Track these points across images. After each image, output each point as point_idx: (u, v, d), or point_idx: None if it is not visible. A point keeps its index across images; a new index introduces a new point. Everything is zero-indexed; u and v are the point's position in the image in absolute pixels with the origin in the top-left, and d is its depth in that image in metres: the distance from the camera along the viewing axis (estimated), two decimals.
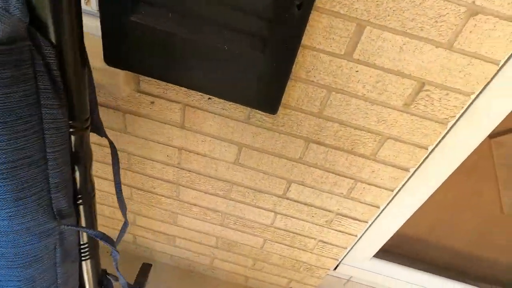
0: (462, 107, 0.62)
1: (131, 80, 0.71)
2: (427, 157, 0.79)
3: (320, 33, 0.58)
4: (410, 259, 1.22)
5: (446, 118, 0.64)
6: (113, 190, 1.00)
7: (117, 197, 0.67)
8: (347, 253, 1.12)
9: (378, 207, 0.84)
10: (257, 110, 0.70)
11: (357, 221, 0.89)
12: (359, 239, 1.05)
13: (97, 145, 0.87)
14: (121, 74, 0.67)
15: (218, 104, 0.72)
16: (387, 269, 1.18)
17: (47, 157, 0.42)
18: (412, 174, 0.83)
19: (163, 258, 1.24)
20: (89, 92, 0.58)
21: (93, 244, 0.64)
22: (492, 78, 0.61)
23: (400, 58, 0.58)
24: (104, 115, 0.79)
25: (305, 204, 0.88)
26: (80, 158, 0.55)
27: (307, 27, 0.57)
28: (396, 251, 1.20)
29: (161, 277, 1.23)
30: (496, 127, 0.84)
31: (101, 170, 0.94)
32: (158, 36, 0.60)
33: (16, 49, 0.32)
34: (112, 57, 0.64)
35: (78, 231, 0.58)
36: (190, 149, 0.83)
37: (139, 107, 0.76)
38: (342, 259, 1.16)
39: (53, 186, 0.45)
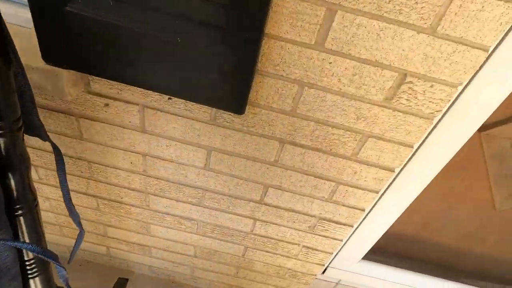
0: (449, 100, 0.55)
1: (79, 80, 0.62)
2: (413, 155, 0.73)
3: (286, 20, 0.50)
4: (401, 259, 1.17)
5: (431, 113, 0.58)
6: (78, 202, 0.92)
7: (66, 206, 0.59)
8: (335, 256, 1.06)
9: (363, 210, 0.78)
10: (222, 110, 0.63)
11: (341, 226, 0.83)
12: (346, 242, 0.99)
13: (50, 152, 0.79)
14: (64, 74, 0.58)
15: (179, 104, 0.64)
16: (377, 270, 1.12)
17: None
18: (398, 174, 0.77)
19: (141, 269, 1.16)
20: (22, 91, 0.50)
21: (41, 259, 0.57)
22: (481, 66, 0.54)
23: (378, 46, 0.51)
24: (55, 120, 0.71)
25: (285, 209, 0.81)
26: (13, 163, 0.48)
27: (270, 13, 0.49)
28: (386, 251, 1.15)
29: None
30: (487, 119, 0.78)
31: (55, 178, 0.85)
32: (100, 29, 0.52)
33: None
34: (51, 54, 0.56)
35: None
36: (155, 155, 0.75)
37: (93, 110, 0.68)
38: (330, 263, 1.10)
39: None
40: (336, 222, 0.82)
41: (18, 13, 0.66)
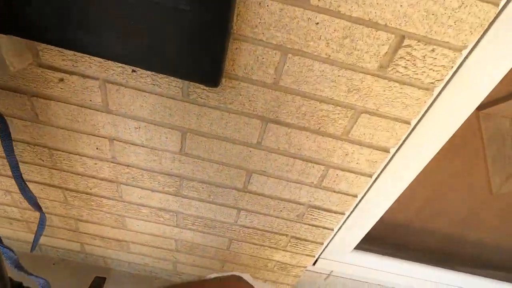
0: (452, 66, 0.49)
1: (24, 49, 0.53)
2: (409, 135, 0.67)
3: None
4: (395, 248, 1.13)
5: (431, 83, 0.51)
6: (43, 195, 0.83)
7: (17, 184, 0.50)
8: (326, 247, 1.01)
9: (355, 196, 0.72)
10: (195, 83, 0.54)
11: (332, 214, 0.76)
12: (337, 231, 0.93)
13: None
14: (3, 41, 0.49)
15: (145, 78, 0.55)
16: (370, 260, 1.07)
17: None
18: (393, 156, 0.71)
19: (120, 266, 1.08)
20: None
21: None
22: (490, 25, 0.48)
23: (372, 1, 0.43)
24: (4, 99, 0.61)
25: (271, 197, 0.74)
26: None
27: None
28: (379, 240, 1.10)
29: (119, 286, 1.08)
30: (485, 98, 0.73)
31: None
32: None
33: None
34: None
35: None
36: (123, 139, 0.66)
37: (46, 87, 0.59)
38: (321, 254, 1.05)
39: None
40: (327, 210, 0.75)
41: None
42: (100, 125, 0.64)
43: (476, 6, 0.42)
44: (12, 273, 0.58)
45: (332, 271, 1.12)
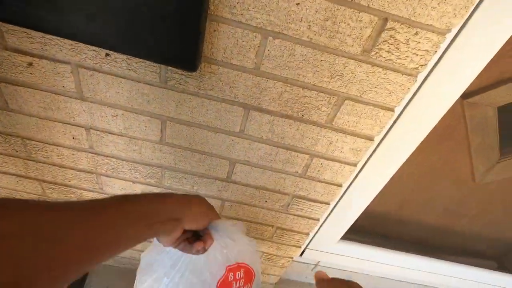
0: (435, 51, 0.48)
1: None
2: (394, 123, 0.66)
3: None
4: (381, 238, 1.13)
5: (415, 68, 0.50)
6: (20, 187, 0.79)
7: None
8: (313, 237, 1.00)
9: (340, 186, 0.71)
10: (173, 68, 0.52)
11: (317, 204, 0.76)
12: (324, 222, 0.93)
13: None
14: None
15: (120, 62, 0.53)
16: (357, 250, 1.08)
17: None
18: (378, 145, 0.70)
19: None
20: None
21: None
22: (476, 6, 0.47)
23: None
24: None
25: (255, 187, 0.73)
26: None
27: None
28: (365, 230, 1.10)
29: (104, 282, 1.06)
30: (470, 86, 0.72)
31: None
32: None
33: None
34: None
35: None
36: (100, 128, 0.64)
37: (14, 72, 0.55)
38: (308, 244, 1.04)
39: None
40: (312, 200, 0.75)
41: None
42: (75, 113, 0.61)
43: None
44: None
45: (319, 261, 1.13)
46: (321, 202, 0.75)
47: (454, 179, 0.97)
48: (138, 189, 0.76)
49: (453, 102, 0.62)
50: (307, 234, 0.86)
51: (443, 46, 0.51)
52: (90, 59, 0.53)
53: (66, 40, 0.51)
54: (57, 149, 0.69)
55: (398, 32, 0.46)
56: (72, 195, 0.81)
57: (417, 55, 0.48)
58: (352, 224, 0.95)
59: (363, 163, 0.73)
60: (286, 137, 0.61)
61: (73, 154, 0.70)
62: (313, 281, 1.19)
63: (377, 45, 0.47)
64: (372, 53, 0.48)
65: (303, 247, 1.04)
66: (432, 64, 0.54)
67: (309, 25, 0.46)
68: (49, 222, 0.25)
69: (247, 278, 0.59)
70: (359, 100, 0.54)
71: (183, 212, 0.39)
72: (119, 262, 1.06)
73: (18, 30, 0.50)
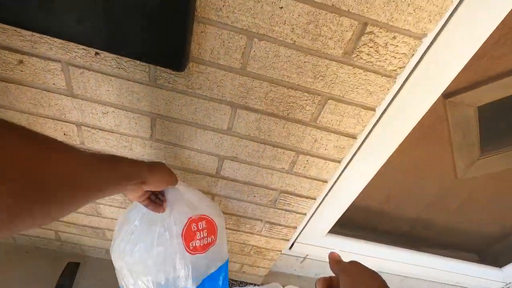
0: (412, 54, 0.50)
1: None
2: (377, 122, 0.68)
3: None
4: (367, 231, 1.17)
5: (394, 70, 0.52)
6: None
7: None
8: (301, 231, 1.04)
9: (326, 182, 0.74)
10: (161, 68, 0.54)
11: (304, 199, 0.78)
12: (311, 216, 0.96)
13: None
14: None
15: (109, 61, 0.54)
16: (344, 244, 1.12)
17: None
18: (363, 142, 0.73)
19: (97, 253, 1.08)
20: None
21: None
22: (452, 13, 0.49)
23: None
24: None
25: (244, 183, 0.75)
26: None
27: None
28: (352, 224, 1.14)
29: (97, 274, 1.08)
30: (451, 86, 0.75)
31: None
32: None
33: None
34: None
35: None
36: (91, 124, 0.65)
37: (5, 69, 0.56)
38: (296, 238, 1.08)
39: None
40: (299, 195, 0.77)
41: None
42: (66, 110, 0.63)
43: None
44: None
45: (307, 254, 1.16)
46: (307, 197, 0.78)
47: (437, 175, 1.01)
48: None
49: (433, 103, 0.64)
50: (295, 228, 0.88)
51: (421, 49, 0.53)
52: (80, 58, 0.54)
53: (56, 39, 0.52)
54: None
55: (377, 36, 0.48)
56: None
57: (395, 58, 0.50)
58: (339, 218, 0.98)
59: (348, 160, 0.76)
60: (272, 134, 0.63)
61: None
62: (302, 274, 1.22)
63: (358, 48, 0.50)
64: (353, 55, 0.51)
65: (292, 241, 1.07)
66: (412, 66, 0.57)
67: (293, 28, 0.48)
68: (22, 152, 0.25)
69: (210, 229, 0.67)
70: (342, 100, 0.57)
71: (146, 177, 0.46)
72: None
73: (8, 29, 0.51)
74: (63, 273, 0.96)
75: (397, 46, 0.49)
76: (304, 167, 0.70)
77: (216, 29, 0.49)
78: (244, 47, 0.51)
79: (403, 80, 0.58)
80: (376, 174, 0.82)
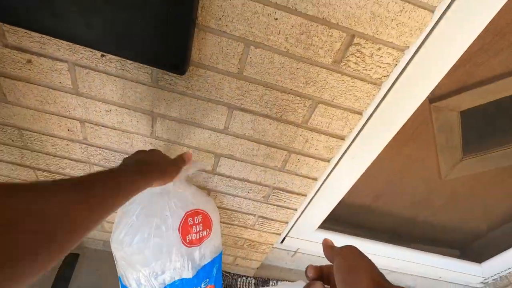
0: (395, 64, 0.54)
1: None
2: (365, 124, 0.73)
3: None
4: (355, 227, 1.23)
5: (379, 78, 0.57)
6: (14, 175, 0.83)
7: None
8: (292, 226, 1.09)
9: (316, 179, 0.78)
10: (163, 70, 0.57)
11: (295, 195, 0.83)
12: (302, 212, 1.01)
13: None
14: None
15: (114, 63, 0.57)
16: (333, 239, 1.15)
17: None
18: (351, 143, 0.78)
19: (94, 244, 1.12)
20: None
21: None
22: (431, 30, 0.53)
23: (325, 1, 0.47)
24: None
25: (239, 179, 0.79)
26: None
27: None
28: (341, 220, 1.19)
29: (94, 265, 1.11)
30: (437, 92, 0.80)
31: None
32: None
33: None
34: None
35: None
36: (94, 121, 0.68)
37: (14, 68, 0.59)
38: (288, 232, 1.13)
39: None
40: (290, 192, 0.82)
41: None
42: (71, 107, 0.66)
43: (415, 11, 0.48)
44: None
45: (298, 248, 1.21)
46: (298, 194, 0.83)
47: (422, 175, 1.06)
48: None
49: (415, 108, 0.69)
50: (286, 223, 0.93)
51: (404, 59, 0.58)
52: (86, 59, 0.57)
53: (64, 41, 0.55)
54: (52, 139, 0.73)
55: (364, 47, 0.52)
56: None
57: (380, 67, 0.55)
58: (329, 214, 1.03)
59: (337, 160, 0.81)
60: (266, 134, 0.68)
61: (67, 145, 0.74)
62: (293, 267, 1.28)
63: (346, 57, 0.54)
64: (342, 64, 0.55)
65: (283, 235, 1.12)
66: (397, 74, 0.61)
67: (286, 38, 0.52)
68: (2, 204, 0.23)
69: (205, 223, 0.72)
70: (331, 104, 0.61)
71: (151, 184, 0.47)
72: (109, 247, 1.12)
73: (19, 30, 0.54)
74: (63, 263, 1.00)
75: (381, 56, 0.53)
76: (296, 165, 0.74)
77: (215, 37, 0.52)
78: (241, 54, 0.54)
79: (388, 87, 0.63)
80: (365, 173, 0.87)
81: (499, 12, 0.55)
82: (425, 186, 1.10)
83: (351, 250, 0.36)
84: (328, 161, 0.73)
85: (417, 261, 1.28)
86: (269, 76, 0.57)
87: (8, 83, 0.62)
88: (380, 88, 0.58)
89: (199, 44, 0.54)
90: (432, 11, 0.48)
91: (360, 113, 0.63)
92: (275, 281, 1.26)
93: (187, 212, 0.69)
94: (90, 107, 0.65)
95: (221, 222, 0.94)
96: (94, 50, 0.56)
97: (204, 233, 0.73)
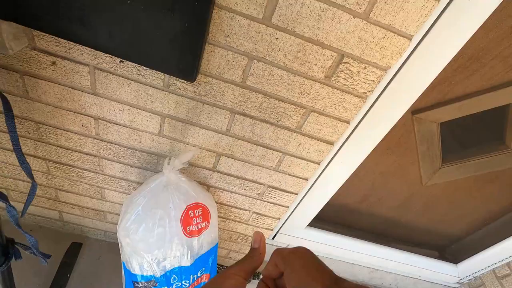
0: (379, 81, 0.63)
1: (21, 34, 0.60)
2: (353, 131, 0.81)
3: None
4: (342, 226, 1.31)
5: (364, 92, 0.65)
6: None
7: (17, 156, 0.59)
8: (284, 223, 1.16)
9: (306, 180, 0.86)
10: (174, 77, 0.64)
11: (287, 193, 0.91)
12: (294, 210, 1.09)
13: None
14: (3, 26, 0.55)
15: (131, 68, 0.64)
16: (321, 236, 1.25)
17: None
18: (340, 148, 0.86)
19: (96, 234, 1.18)
20: None
21: None
22: (411, 53, 0.62)
23: (320, 26, 0.55)
24: None
25: (237, 177, 0.87)
26: None
27: None
28: (329, 219, 1.28)
29: (95, 254, 1.17)
30: (418, 105, 0.88)
31: (5, 141, 0.82)
32: None
33: None
34: None
35: None
36: (107, 119, 0.75)
37: (39, 68, 0.66)
38: (279, 229, 1.20)
39: None
40: (283, 190, 0.90)
41: None
42: (87, 105, 0.72)
43: (395, 38, 0.56)
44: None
45: (288, 244, 1.29)
46: (290, 192, 0.90)
47: (405, 180, 1.15)
48: (134, 172, 0.88)
49: (398, 119, 0.78)
50: (278, 219, 1.01)
51: (387, 77, 0.66)
52: (106, 64, 0.64)
53: (87, 47, 0.62)
54: (66, 133, 0.80)
55: (352, 65, 0.60)
56: (74, 174, 0.91)
57: (366, 83, 0.63)
58: (319, 214, 1.11)
59: (326, 163, 0.88)
60: (264, 137, 0.75)
61: (80, 139, 0.81)
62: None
63: (336, 73, 0.62)
64: (332, 79, 0.63)
65: (275, 231, 1.20)
66: (381, 89, 0.69)
67: (285, 54, 0.60)
68: None
69: (204, 215, 0.79)
70: (322, 113, 0.69)
71: None
72: (110, 237, 1.18)
73: (48, 36, 0.60)
74: (67, 252, 1.06)
75: (367, 74, 0.61)
76: (289, 166, 0.82)
77: (223, 50, 0.60)
78: (245, 66, 0.62)
79: (373, 100, 0.71)
80: (353, 176, 0.95)
81: (471, 39, 0.64)
82: (408, 191, 1.19)
83: (300, 256, 0.30)
84: (319, 163, 0.81)
85: (398, 260, 1.37)
86: (268, 86, 0.65)
87: (32, 82, 0.68)
88: (365, 101, 0.66)
89: (208, 55, 0.61)
90: (410, 39, 0.56)
91: (347, 122, 0.71)
92: None
93: (189, 205, 0.76)
94: (105, 106, 0.72)
95: (218, 216, 1.01)
96: (114, 57, 0.63)
97: (203, 225, 0.80)
